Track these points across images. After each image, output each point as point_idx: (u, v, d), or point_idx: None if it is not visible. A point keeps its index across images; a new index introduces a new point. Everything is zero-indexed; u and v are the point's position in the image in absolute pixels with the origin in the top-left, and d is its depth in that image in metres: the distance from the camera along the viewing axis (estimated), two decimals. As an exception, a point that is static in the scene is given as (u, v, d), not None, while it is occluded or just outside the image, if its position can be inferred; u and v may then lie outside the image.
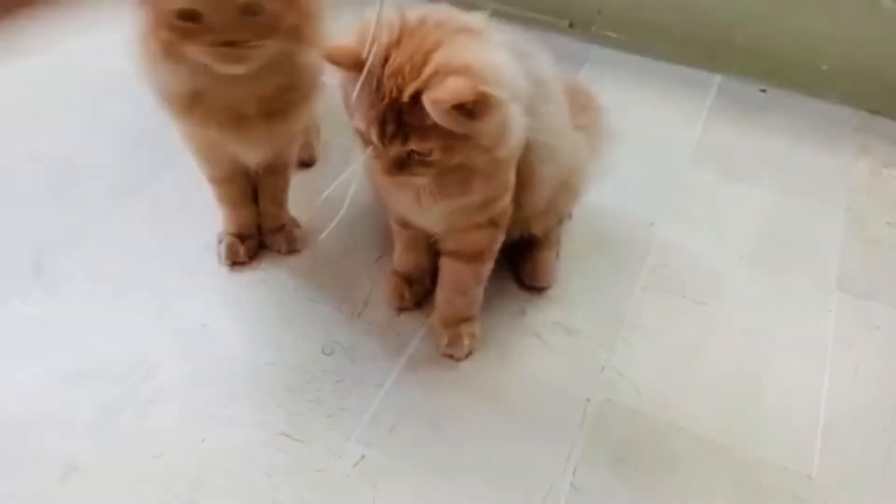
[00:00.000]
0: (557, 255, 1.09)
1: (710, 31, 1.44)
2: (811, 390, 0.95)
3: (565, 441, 0.88)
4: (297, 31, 0.82)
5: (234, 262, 1.07)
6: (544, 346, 0.99)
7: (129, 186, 1.18)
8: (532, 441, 0.88)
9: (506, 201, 0.86)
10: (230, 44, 0.77)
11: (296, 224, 1.12)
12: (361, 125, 0.75)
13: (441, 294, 0.97)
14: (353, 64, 0.73)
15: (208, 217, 1.11)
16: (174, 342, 0.97)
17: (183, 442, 0.87)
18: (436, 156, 0.74)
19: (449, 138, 0.72)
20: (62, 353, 0.95)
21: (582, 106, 1.08)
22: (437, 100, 0.68)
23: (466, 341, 0.96)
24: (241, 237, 1.07)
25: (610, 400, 0.93)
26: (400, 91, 0.71)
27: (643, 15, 1.47)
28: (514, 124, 0.76)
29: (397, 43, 0.72)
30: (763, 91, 1.44)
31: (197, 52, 0.78)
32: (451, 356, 0.96)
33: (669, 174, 1.27)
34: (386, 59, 0.72)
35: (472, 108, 0.69)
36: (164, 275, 1.05)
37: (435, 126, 0.70)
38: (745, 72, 1.44)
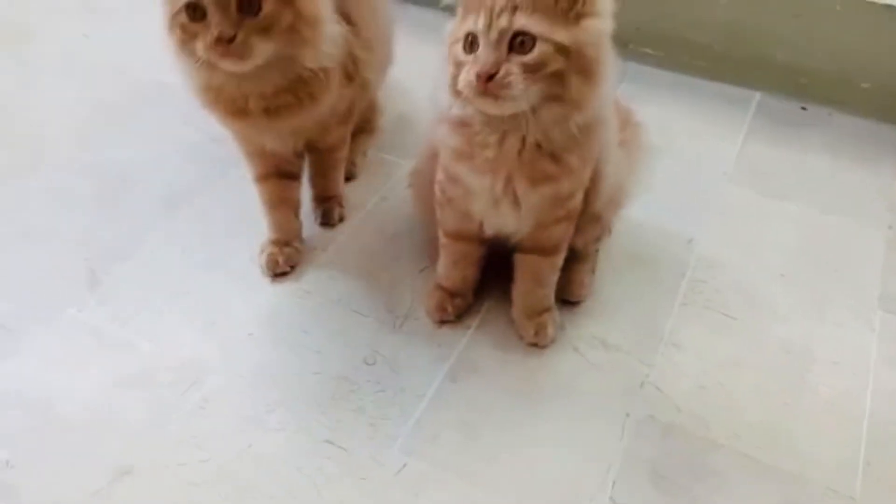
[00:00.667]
0: (593, 269, 1.10)
1: (750, 49, 1.44)
2: (853, 410, 0.95)
3: (605, 455, 0.89)
4: (295, 33, 0.87)
5: (275, 274, 1.09)
6: (583, 360, 1.00)
7: (178, 198, 1.22)
8: (572, 454, 0.89)
9: (580, 195, 0.91)
10: (231, 41, 0.83)
11: (339, 202, 1.17)
12: (470, 22, 0.76)
13: (520, 288, 1.00)
14: None
15: (255, 229, 1.15)
16: (222, 350, 1.00)
17: (230, 447, 0.89)
18: (536, 52, 0.73)
19: (555, 23, 0.73)
20: (115, 360, 0.98)
21: (622, 122, 1.10)
22: None
23: (550, 330, 1.01)
24: (280, 245, 1.10)
25: (650, 415, 0.93)
26: None
27: (681, 32, 1.48)
28: (610, 68, 0.78)
29: None
30: (804, 108, 1.43)
31: (202, 48, 0.84)
32: (536, 344, 1.00)
33: (708, 191, 1.27)
34: None
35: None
36: (213, 285, 1.09)
37: (544, 3, 0.73)
38: (786, 89, 1.44)
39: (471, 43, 0.76)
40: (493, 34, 0.74)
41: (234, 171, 1.26)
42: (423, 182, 1.02)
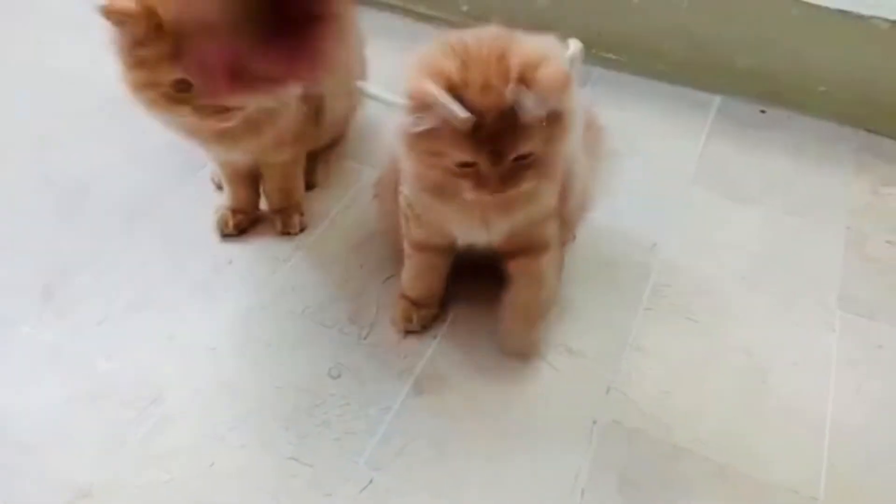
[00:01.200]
0: (558, 275, 1.10)
1: (710, 54, 1.46)
2: (815, 411, 0.96)
3: (573, 463, 0.89)
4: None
5: (224, 234, 1.13)
6: (549, 367, 1.00)
7: (137, 209, 1.19)
8: (540, 463, 0.89)
9: (554, 197, 0.90)
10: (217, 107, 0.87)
11: (299, 210, 1.16)
12: (466, 155, 0.76)
13: (520, 297, 0.96)
14: (428, 104, 0.74)
15: (214, 238, 1.13)
16: (183, 365, 0.98)
17: (192, 466, 0.87)
18: (538, 150, 0.76)
19: (547, 129, 0.75)
20: (72, 377, 0.96)
21: (585, 125, 1.10)
22: (544, 89, 0.72)
23: (539, 339, 1.00)
24: (234, 211, 1.13)
25: (616, 421, 0.93)
26: (499, 100, 0.73)
27: (642, 38, 1.49)
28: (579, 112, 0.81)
29: (466, 67, 0.75)
30: (763, 112, 1.45)
31: (187, 112, 0.87)
32: (526, 357, 1.00)
33: (670, 194, 1.28)
34: (465, 84, 0.74)
35: (565, 88, 0.74)
36: (173, 297, 1.06)
37: (533, 123, 0.74)
38: (745, 92, 1.46)
39: None
40: (500, 167, 0.77)
41: (193, 179, 1.24)
42: (388, 192, 1.01)
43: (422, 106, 0.74)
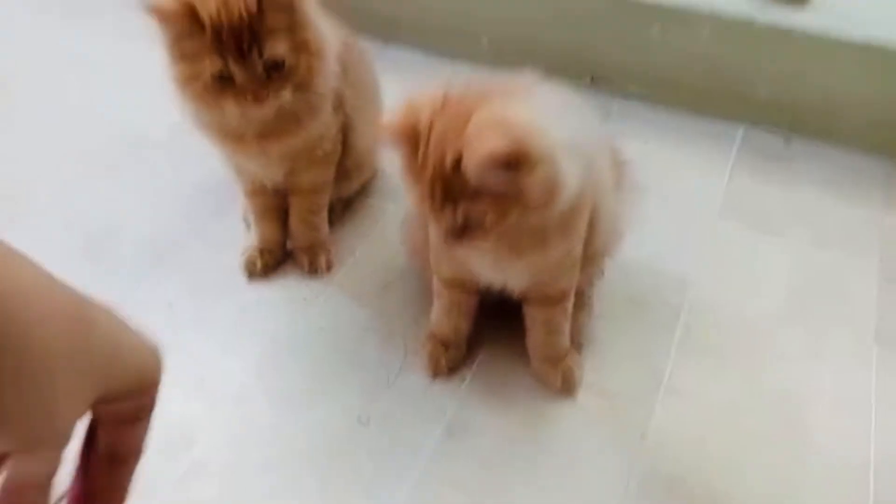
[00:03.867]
0: (590, 313, 1.09)
1: (732, 84, 1.45)
2: (858, 454, 0.93)
3: (608, 510, 0.87)
4: (308, 75, 0.94)
5: (252, 275, 1.14)
6: (582, 409, 0.98)
7: (165, 251, 1.19)
8: (574, 510, 0.87)
9: (579, 247, 0.89)
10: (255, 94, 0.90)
11: (325, 249, 1.16)
12: (416, 195, 0.76)
13: (536, 340, 0.99)
14: (405, 137, 0.74)
15: (242, 279, 1.13)
16: (211, 411, 0.97)
17: (223, 514, 0.86)
18: (490, 219, 0.74)
19: (498, 198, 0.72)
20: (101, 425, 0.95)
21: (609, 161, 1.10)
22: (472, 160, 0.68)
23: (577, 373, 1.00)
24: (262, 252, 1.14)
25: (652, 469, 0.91)
26: (443, 157, 0.71)
27: (663, 70, 1.49)
28: (568, 178, 0.74)
29: (441, 110, 0.73)
30: (788, 143, 1.44)
31: (232, 105, 0.91)
32: (567, 391, 0.99)
33: (698, 228, 1.27)
34: (431, 127, 0.73)
35: (512, 163, 0.68)
36: (200, 340, 1.06)
37: (482, 188, 0.71)
38: (769, 123, 1.45)
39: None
40: (445, 220, 0.75)
41: (221, 221, 1.25)
42: (417, 231, 1.01)
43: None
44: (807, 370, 1.04)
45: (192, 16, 0.86)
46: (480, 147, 0.67)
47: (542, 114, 0.75)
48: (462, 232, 0.76)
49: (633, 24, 1.46)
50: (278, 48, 0.89)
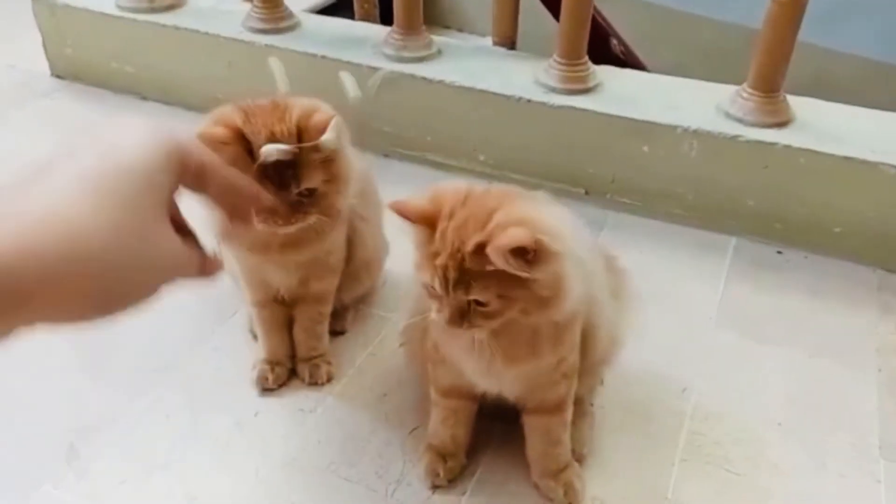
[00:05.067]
0: (591, 424, 1.08)
1: (721, 198, 1.50)
2: (871, 572, 0.90)
3: None
4: (335, 200, 0.99)
5: (264, 389, 1.14)
6: (585, 526, 0.96)
7: (165, 361, 1.20)
8: None
9: (575, 357, 0.91)
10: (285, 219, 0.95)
11: (326, 360, 1.17)
12: (427, 277, 0.79)
13: (535, 450, 0.99)
14: (424, 220, 0.79)
15: (241, 392, 1.13)
16: (205, 528, 0.95)
17: None
18: (494, 305, 0.78)
19: (507, 286, 0.76)
20: (90, 543, 0.92)
21: (605, 268, 1.12)
22: (499, 245, 0.73)
23: (578, 485, 0.98)
24: (272, 364, 1.15)
25: (660, 587, 0.88)
26: (463, 242, 0.76)
27: (655, 183, 1.55)
28: (573, 282, 0.80)
29: (463, 203, 0.79)
30: (780, 252, 1.48)
31: (260, 224, 0.94)
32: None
33: (695, 337, 1.27)
34: (451, 216, 0.78)
35: (530, 255, 0.73)
36: (195, 455, 1.04)
37: (494, 274, 0.75)
38: (760, 234, 1.49)
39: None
40: (452, 302, 0.79)
41: (222, 332, 1.26)
42: (415, 339, 1.02)
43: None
44: (814, 484, 1.02)
45: (243, 145, 0.91)
46: (506, 237, 0.73)
47: (558, 218, 0.81)
48: (465, 314, 0.79)
49: (623, 143, 1.53)
50: (314, 182, 0.94)
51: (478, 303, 0.78)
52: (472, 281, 0.76)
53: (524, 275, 0.74)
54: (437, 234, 0.78)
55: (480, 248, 0.75)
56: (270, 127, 0.91)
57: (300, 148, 0.91)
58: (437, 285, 0.78)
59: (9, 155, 1.75)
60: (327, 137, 0.92)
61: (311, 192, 0.95)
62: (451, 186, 0.82)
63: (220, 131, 0.91)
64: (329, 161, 0.96)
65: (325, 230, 1.02)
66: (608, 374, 1.11)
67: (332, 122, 0.93)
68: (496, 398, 0.96)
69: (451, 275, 0.77)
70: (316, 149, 0.93)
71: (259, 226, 0.95)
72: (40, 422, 1.09)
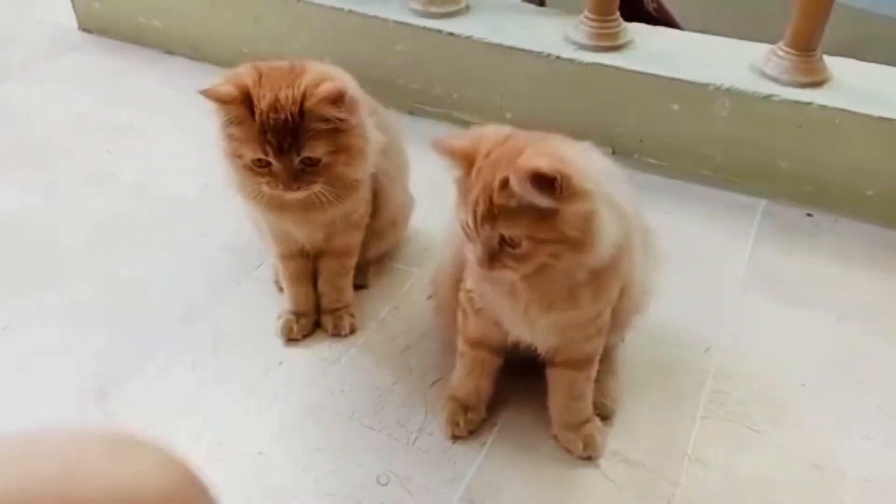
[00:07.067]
0: (617, 379, 1.08)
1: (751, 159, 1.47)
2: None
3: (633, 584, 0.84)
4: (345, 172, 0.99)
5: (289, 339, 1.15)
6: (605, 478, 0.96)
7: (192, 311, 1.21)
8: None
9: (608, 313, 0.91)
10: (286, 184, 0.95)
11: (349, 312, 1.18)
12: (462, 213, 0.80)
13: (557, 403, 0.99)
14: (463, 158, 0.80)
15: (266, 342, 1.14)
16: (229, 471, 0.97)
17: (238, 578, 0.85)
18: (524, 247, 0.78)
19: (536, 227, 0.76)
20: (120, 481, 0.95)
21: (636, 227, 1.11)
22: (518, 171, 0.73)
23: (598, 439, 0.99)
24: (297, 315, 1.16)
25: (678, 539, 0.89)
26: (492, 179, 0.76)
27: (683, 143, 1.52)
28: (606, 225, 0.78)
29: (502, 144, 0.79)
30: (809, 215, 1.45)
31: (267, 188, 0.97)
32: (589, 458, 0.98)
33: (720, 298, 1.26)
34: (488, 155, 0.78)
35: (554, 186, 0.73)
36: (222, 400, 1.06)
37: (522, 211, 0.75)
38: (790, 196, 1.47)
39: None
40: (482, 238, 0.79)
41: (247, 283, 1.27)
42: (445, 288, 1.03)
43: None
44: (837, 445, 1.01)
45: (247, 105, 0.92)
46: (526, 164, 0.73)
47: (594, 166, 0.81)
48: (496, 256, 0.79)
49: (652, 102, 1.50)
50: (316, 151, 0.94)
51: (509, 244, 0.78)
52: (499, 215, 0.76)
53: (547, 204, 0.74)
54: (474, 172, 0.78)
55: (506, 183, 0.75)
56: (277, 91, 0.92)
57: (299, 115, 0.91)
58: (469, 221, 0.79)
59: (38, 108, 1.77)
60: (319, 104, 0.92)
61: (316, 162, 0.95)
62: (492, 128, 0.82)
63: (225, 90, 0.91)
64: (337, 132, 0.95)
65: (344, 193, 1.02)
66: (632, 332, 1.10)
67: (337, 92, 0.92)
68: (525, 351, 0.96)
69: (481, 209, 0.77)
70: (319, 118, 0.93)
71: (264, 189, 0.97)
72: (71, 368, 1.11)
